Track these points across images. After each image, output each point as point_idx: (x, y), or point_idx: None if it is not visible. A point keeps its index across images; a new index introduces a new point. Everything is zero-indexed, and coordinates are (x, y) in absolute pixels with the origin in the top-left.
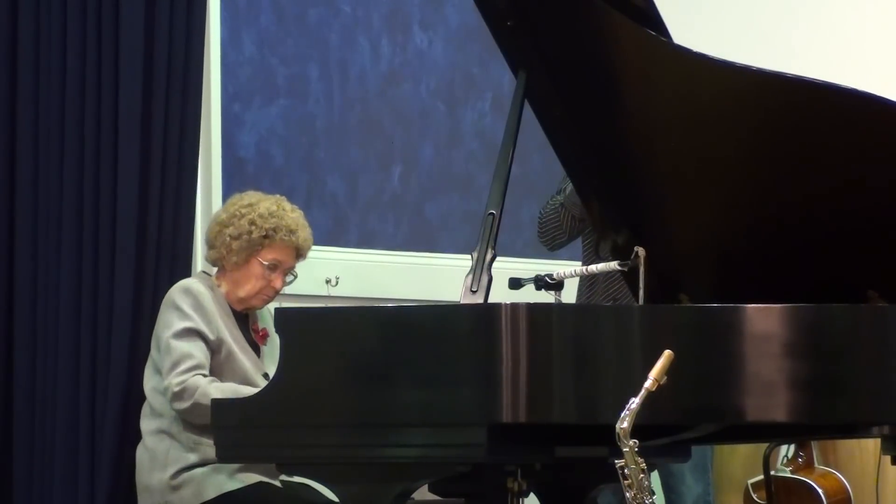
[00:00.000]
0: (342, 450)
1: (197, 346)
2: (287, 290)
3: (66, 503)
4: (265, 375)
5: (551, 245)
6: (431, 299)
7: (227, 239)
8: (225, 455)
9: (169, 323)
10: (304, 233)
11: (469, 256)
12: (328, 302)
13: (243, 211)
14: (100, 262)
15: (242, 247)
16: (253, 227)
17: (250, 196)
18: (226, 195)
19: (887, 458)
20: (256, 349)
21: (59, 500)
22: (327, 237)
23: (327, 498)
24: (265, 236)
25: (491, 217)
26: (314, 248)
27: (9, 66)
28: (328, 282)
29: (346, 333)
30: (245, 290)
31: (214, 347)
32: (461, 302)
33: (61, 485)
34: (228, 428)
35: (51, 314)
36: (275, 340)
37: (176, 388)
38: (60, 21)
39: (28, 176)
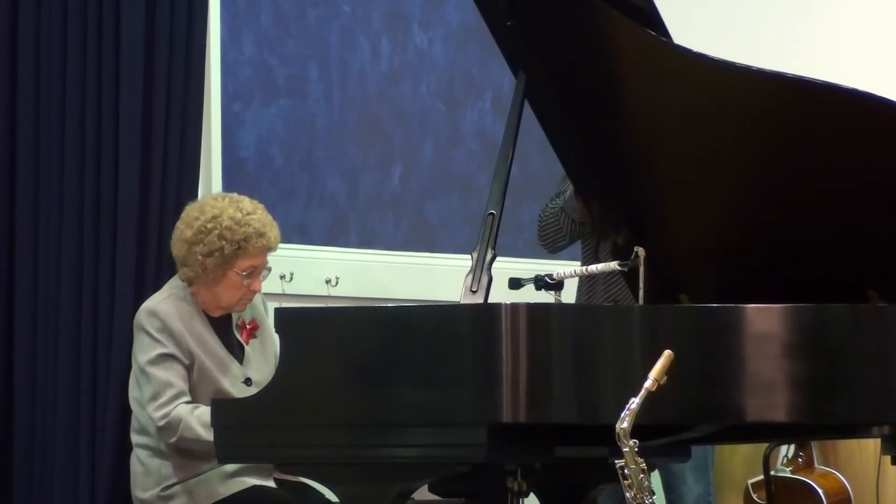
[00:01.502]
0: (342, 450)
1: (174, 371)
2: (287, 289)
3: None
4: (247, 381)
5: (552, 248)
6: (431, 299)
7: (199, 258)
8: (225, 455)
9: (142, 347)
10: (273, 231)
11: (469, 256)
12: (328, 302)
13: (209, 226)
14: (101, 263)
15: (217, 263)
16: (224, 242)
17: (208, 206)
18: None
19: (887, 458)
20: (240, 351)
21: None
22: (327, 237)
23: (326, 498)
24: (238, 248)
25: (491, 217)
26: (314, 248)
27: (9, 67)
28: (328, 282)
29: (346, 333)
30: (226, 301)
31: (187, 368)
32: (461, 302)
33: (61, 492)
34: (228, 428)
35: (51, 315)
36: (264, 334)
37: (160, 424)
38: (61, 21)
39: (28, 177)
